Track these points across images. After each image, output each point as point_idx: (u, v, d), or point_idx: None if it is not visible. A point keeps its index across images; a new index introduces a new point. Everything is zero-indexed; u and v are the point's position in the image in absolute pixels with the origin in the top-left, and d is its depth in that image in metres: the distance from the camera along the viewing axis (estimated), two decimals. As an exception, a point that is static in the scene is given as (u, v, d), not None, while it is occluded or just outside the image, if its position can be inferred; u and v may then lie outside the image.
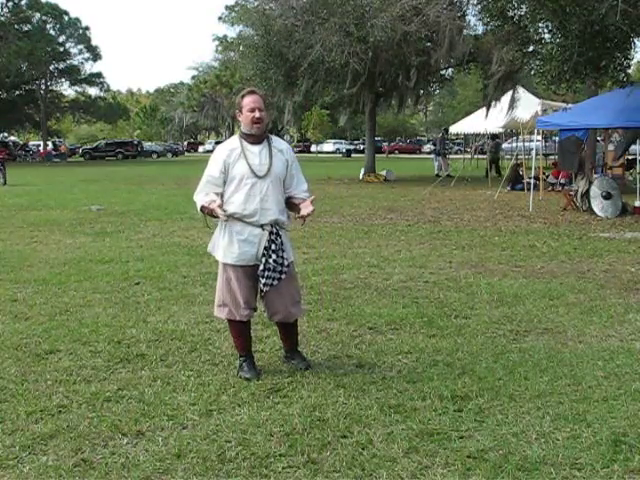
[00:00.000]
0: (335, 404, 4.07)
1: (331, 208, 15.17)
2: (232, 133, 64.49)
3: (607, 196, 13.54)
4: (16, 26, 56.56)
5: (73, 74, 63.84)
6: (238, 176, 4.46)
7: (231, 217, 4.47)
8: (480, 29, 23.68)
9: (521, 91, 23.86)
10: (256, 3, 27.32)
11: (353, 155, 61.69)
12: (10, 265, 8.57)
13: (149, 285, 7.39)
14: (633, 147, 19.65)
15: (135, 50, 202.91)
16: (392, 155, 61.06)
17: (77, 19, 63.42)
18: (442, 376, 4.51)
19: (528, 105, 21.62)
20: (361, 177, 26.55)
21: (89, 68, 65.35)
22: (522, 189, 18.98)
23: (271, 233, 4.49)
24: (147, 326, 5.77)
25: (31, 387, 4.39)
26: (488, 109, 24.07)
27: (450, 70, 28.97)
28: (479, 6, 19.71)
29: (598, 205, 13.60)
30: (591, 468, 3.28)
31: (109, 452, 3.51)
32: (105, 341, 5.35)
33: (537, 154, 19.21)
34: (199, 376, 4.58)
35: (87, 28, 63.88)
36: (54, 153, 56.44)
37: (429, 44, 23.30)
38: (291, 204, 4.64)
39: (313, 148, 69.50)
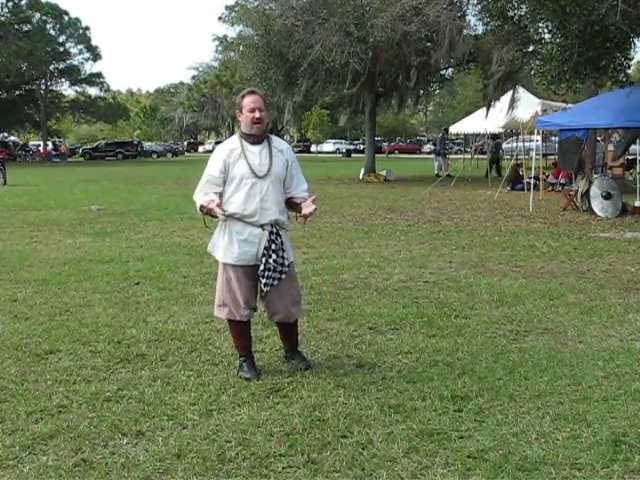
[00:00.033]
0: (335, 404, 4.07)
1: (331, 208, 15.17)
2: (232, 133, 64.47)
3: (607, 196, 13.54)
4: (16, 26, 56.56)
5: (73, 74, 63.84)
6: (238, 176, 4.46)
7: (231, 217, 4.47)
8: (480, 29, 23.72)
9: (521, 91, 23.87)
10: (256, 3, 27.33)
11: (353, 155, 61.69)
12: (10, 265, 8.57)
13: (149, 285, 7.39)
14: (633, 147, 19.66)
15: (135, 50, 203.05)
16: (392, 155, 61.07)
17: (77, 19, 63.47)
18: (442, 376, 4.51)
19: (528, 105, 21.63)
20: (361, 177, 26.55)
21: (89, 68, 65.47)
22: (522, 189, 18.99)
23: (271, 233, 4.49)
24: (147, 326, 5.77)
25: (31, 387, 4.39)
26: (488, 109, 24.07)
27: (450, 70, 28.98)
28: (479, 6, 19.72)
29: (598, 205, 13.60)
30: (591, 468, 3.28)
31: (109, 452, 3.51)
32: (105, 341, 5.35)
33: (536, 154, 19.25)
34: (199, 376, 4.58)
35: (87, 28, 63.95)
36: (54, 153, 56.45)
37: (429, 44, 23.30)
38: (292, 204, 4.64)
39: (313, 148, 69.51)
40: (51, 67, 62.31)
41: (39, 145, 64.14)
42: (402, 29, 21.11)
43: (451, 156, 33.37)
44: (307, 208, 4.50)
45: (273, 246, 4.48)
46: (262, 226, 4.49)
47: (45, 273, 8.06)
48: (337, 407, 4.02)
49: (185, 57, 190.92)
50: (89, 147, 62.64)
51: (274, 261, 4.47)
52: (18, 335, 5.51)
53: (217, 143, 49.65)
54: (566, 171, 18.75)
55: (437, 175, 25.60)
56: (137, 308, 6.39)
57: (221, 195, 4.48)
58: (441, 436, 3.63)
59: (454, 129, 31.13)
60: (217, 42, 75.43)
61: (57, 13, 61.00)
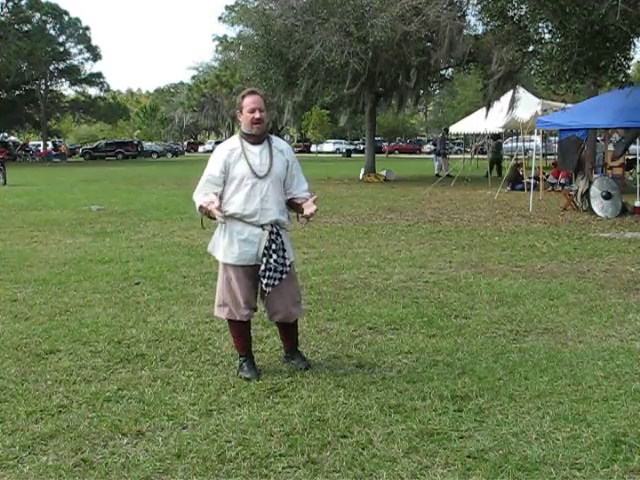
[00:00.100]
0: (335, 404, 4.07)
1: (331, 208, 15.17)
2: (232, 133, 64.48)
3: (607, 196, 13.54)
4: (16, 26, 56.58)
5: (73, 74, 63.85)
6: (239, 176, 4.46)
7: (231, 217, 4.47)
8: (480, 29, 23.72)
9: (521, 91, 23.87)
10: (256, 3, 27.34)
11: (353, 155, 61.69)
12: (10, 265, 8.57)
13: (149, 285, 7.39)
14: (633, 147, 19.66)
15: (135, 50, 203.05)
16: (392, 155, 61.07)
17: (77, 19, 63.48)
18: (442, 376, 4.51)
19: (528, 105, 21.64)
20: (361, 177, 26.55)
21: (89, 68, 65.47)
22: (522, 189, 18.99)
23: (271, 233, 4.49)
24: (147, 326, 5.78)
25: (31, 387, 4.39)
26: (488, 109, 24.08)
27: (450, 70, 28.99)
28: (479, 6, 19.73)
29: (598, 205, 13.60)
30: (591, 468, 3.28)
31: (109, 452, 3.51)
32: (105, 341, 5.35)
33: (535, 154, 19.26)
34: (199, 376, 4.58)
35: (87, 28, 63.95)
36: (54, 153, 56.46)
37: (429, 44, 23.31)
38: (293, 205, 4.64)
39: (313, 148, 69.52)
40: (51, 67, 62.33)
41: (39, 145, 64.14)
42: (402, 29, 21.11)
43: (451, 156, 33.37)
44: (308, 209, 4.50)
45: (273, 246, 4.48)
46: (262, 226, 4.49)
47: (45, 273, 8.06)
48: (337, 407, 4.02)
49: (185, 57, 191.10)
50: (89, 147, 62.64)
51: (275, 261, 4.47)
52: (18, 335, 5.51)
53: (217, 143, 49.65)
54: (566, 171, 18.76)
55: (437, 175, 25.60)
56: (137, 308, 6.40)
57: (221, 197, 4.47)
58: (441, 436, 3.63)
59: (454, 129, 31.12)
60: (217, 42, 75.53)
61: (57, 13, 61.00)
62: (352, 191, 20.91)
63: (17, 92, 61.81)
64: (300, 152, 62.83)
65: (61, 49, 62.74)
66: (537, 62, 17.93)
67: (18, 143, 62.67)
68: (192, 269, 8.24)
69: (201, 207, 4.47)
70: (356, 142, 69.62)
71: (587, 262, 8.67)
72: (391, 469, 3.31)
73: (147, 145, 67.62)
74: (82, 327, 5.73)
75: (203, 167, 4.65)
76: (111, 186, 23.65)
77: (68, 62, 63.69)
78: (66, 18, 62.18)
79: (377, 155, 30.81)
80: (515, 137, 32.08)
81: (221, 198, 4.46)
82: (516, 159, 21.76)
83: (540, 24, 16.34)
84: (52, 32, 61.72)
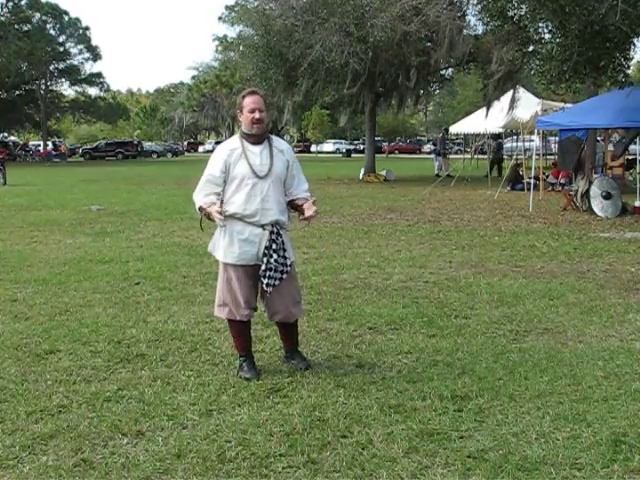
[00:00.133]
0: (335, 404, 4.07)
1: (331, 208, 15.17)
2: (232, 133, 64.48)
3: (607, 196, 13.54)
4: (16, 26, 56.59)
5: (73, 74, 63.86)
6: (239, 176, 4.46)
7: (232, 217, 4.47)
8: (480, 29, 23.73)
9: (521, 91, 23.87)
10: (256, 3, 27.34)
11: (353, 155, 61.69)
12: (10, 265, 8.57)
13: (149, 285, 7.39)
14: (633, 147, 19.65)
15: (135, 50, 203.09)
16: (392, 155, 61.07)
17: (77, 19, 63.50)
18: (442, 376, 4.51)
19: (528, 105, 21.64)
20: (361, 177, 26.55)
21: (89, 68, 65.50)
22: (522, 189, 18.99)
23: (272, 233, 4.49)
24: (147, 326, 5.78)
25: (31, 387, 4.39)
26: (488, 109, 24.08)
27: (450, 70, 29.00)
28: (479, 6, 19.73)
29: (598, 205, 13.60)
30: (591, 468, 3.28)
31: (109, 452, 3.51)
32: (105, 341, 5.35)
33: (530, 154, 19.25)
34: (199, 376, 4.58)
35: (87, 28, 63.97)
36: (54, 153, 56.45)
37: (429, 44, 23.31)
38: (294, 205, 4.64)
39: (313, 148, 69.52)
40: (51, 67, 62.34)
41: (39, 145, 64.14)
42: (402, 29, 21.11)
43: (451, 156, 33.38)
44: (308, 210, 4.50)
45: (274, 246, 4.48)
46: (263, 226, 4.49)
47: (45, 273, 8.06)
48: (337, 407, 4.02)
49: (185, 57, 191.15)
50: (89, 147, 62.65)
51: (275, 261, 4.47)
52: (18, 335, 5.52)
53: (217, 143, 49.58)
54: (566, 171, 18.76)
55: (437, 175, 25.61)
56: (137, 308, 6.40)
57: (222, 201, 4.47)
58: (441, 436, 3.63)
59: (454, 129, 31.11)
60: (217, 42, 75.58)
61: (57, 13, 61.02)
62: (352, 191, 20.91)
63: (17, 92, 61.82)
64: (300, 152, 62.82)
65: (61, 49, 62.75)
66: (537, 62, 17.93)
67: (18, 143, 62.69)
68: (192, 269, 8.24)
69: (201, 208, 4.47)
70: (356, 142, 69.62)
71: (587, 262, 8.67)
72: (391, 469, 3.31)
73: (147, 145, 67.62)
74: (82, 327, 5.73)
75: (203, 167, 4.65)
76: (111, 186, 23.65)
77: (68, 62, 63.71)
78: (66, 18, 62.21)
79: (377, 155, 30.81)
80: (515, 137, 32.06)
81: (222, 202, 4.45)
82: (516, 159, 21.76)
83: (540, 24, 16.34)
84: (52, 32, 61.74)
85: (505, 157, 29.77)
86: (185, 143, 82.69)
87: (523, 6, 16.48)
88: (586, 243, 10.23)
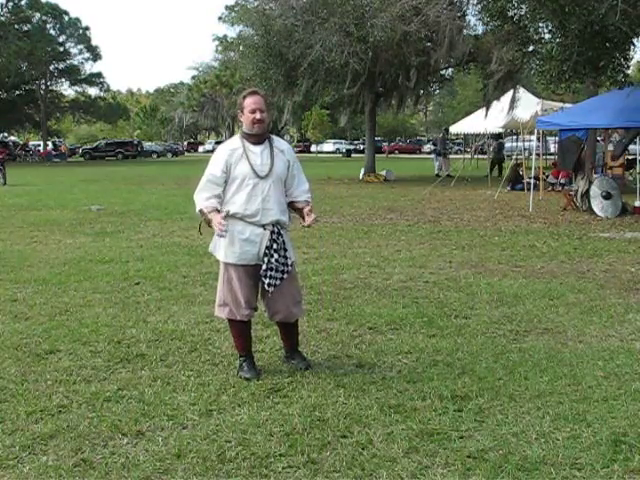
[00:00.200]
0: (335, 404, 4.07)
1: (331, 208, 15.17)
2: (232, 133, 64.49)
3: (607, 196, 13.54)
4: (16, 26, 56.59)
5: (73, 74, 63.86)
6: (240, 176, 4.46)
7: (232, 217, 4.48)
8: (480, 29, 23.72)
9: (521, 91, 23.87)
10: (256, 3, 27.34)
11: (353, 155, 61.69)
12: (10, 265, 8.57)
13: (149, 285, 7.39)
14: (633, 147, 19.65)
15: (135, 50, 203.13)
16: (392, 155, 61.06)
17: (77, 19, 63.51)
18: (442, 376, 4.51)
19: (528, 105, 21.64)
20: (361, 177, 26.55)
21: (89, 68, 65.52)
22: (522, 189, 18.98)
23: (272, 233, 4.50)
24: (147, 326, 5.78)
25: (31, 387, 4.39)
26: (487, 109, 24.09)
27: (450, 70, 29.00)
28: (479, 6, 19.72)
29: (598, 205, 13.60)
30: (591, 468, 3.28)
31: (109, 452, 3.51)
32: (105, 341, 5.35)
33: (530, 154, 19.25)
34: (199, 376, 4.58)
35: (87, 28, 63.98)
36: (54, 153, 56.45)
37: (429, 44, 23.31)
38: (294, 208, 4.65)
39: (313, 148, 69.52)
40: (51, 67, 62.35)
41: (39, 145, 64.14)
42: (402, 29, 21.12)
43: (451, 156, 33.38)
44: (308, 218, 4.51)
45: (275, 246, 4.49)
46: (264, 226, 4.49)
47: (45, 273, 8.06)
48: (337, 407, 4.02)
49: (185, 57, 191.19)
50: (89, 147, 62.66)
51: (276, 260, 4.47)
52: (18, 335, 5.52)
53: (217, 143, 49.53)
54: (566, 171, 18.76)
55: (437, 175, 25.60)
56: (137, 308, 6.40)
57: (222, 205, 4.48)
58: (441, 436, 3.63)
59: (454, 129, 31.12)
60: (217, 42, 75.55)
61: (57, 13, 61.02)
62: (352, 191, 20.91)
63: (17, 92, 61.82)
64: (300, 152, 62.81)
65: (61, 49, 62.76)
66: (537, 62, 17.91)
67: (18, 143, 62.70)
68: (192, 269, 8.24)
69: (202, 211, 4.47)
70: (356, 142, 69.61)
71: (587, 262, 8.67)
72: (391, 469, 3.31)
73: (147, 145, 67.64)
74: (82, 327, 5.73)
75: (203, 167, 4.65)
76: (111, 186, 23.65)
77: (68, 62, 63.72)
78: (66, 18, 62.22)
79: (377, 155, 30.81)
80: (515, 137, 32.06)
81: (224, 203, 4.45)
82: (516, 159, 21.76)
83: (540, 24, 16.33)
84: (52, 32, 61.74)
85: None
86: (185, 143, 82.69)
87: (523, 6, 16.47)
88: (586, 243, 10.23)
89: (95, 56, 64.63)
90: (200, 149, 78.75)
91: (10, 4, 57.50)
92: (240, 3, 52.59)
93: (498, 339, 5.37)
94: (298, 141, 75.44)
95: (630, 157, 21.24)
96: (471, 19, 24.63)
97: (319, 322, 5.85)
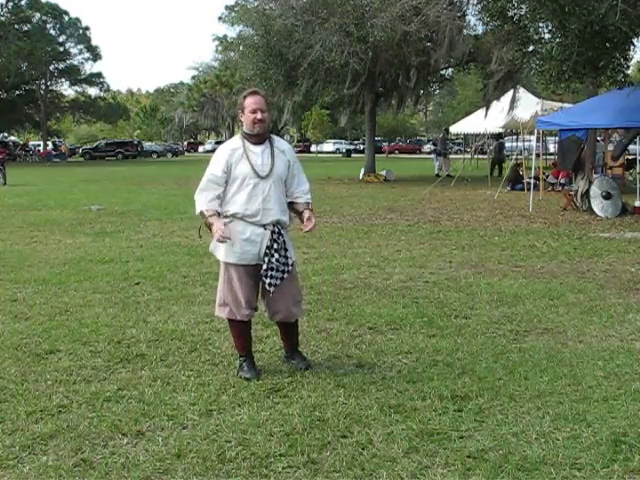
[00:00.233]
0: (335, 404, 4.07)
1: (331, 208, 15.17)
2: (232, 133, 64.50)
3: (607, 196, 13.54)
4: (16, 26, 56.60)
5: (73, 74, 63.87)
6: (240, 176, 4.46)
7: (233, 217, 4.49)
8: (480, 29, 23.71)
9: (521, 91, 23.87)
10: (256, 3, 27.34)
11: (353, 155, 61.70)
12: (10, 265, 8.57)
13: (149, 285, 7.39)
14: (633, 147, 19.65)
15: (135, 50, 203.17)
16: (392, 155, 61.06)
17: (77, 19, 63.53)
18: (442, 376, 4.51)
19: (528, 105, 21.63)
20: (361, 177, 26.55)
21: (89, 68, 65.53)
22: (522, 189, 18.98)
23: (273, 232, 4.50)
24: (147, 326, 5.78)
25: (31, 387, 4.39)
26: (487, 109, 24.09)
27: (450, 70, 28.99)
28: (479, 6, 19.70)
29: (598, 205, 13.60)
30: (591, 468, 3.28)
31: (109, 452, 3.51)
32: (105, 341, 5.35)
33: (530, 154, 19.25)
34: (199, 376, 4.58)
35: (87, 28, 64.00)
36: (54, 153, 56.45)
37: (429, 44, 23.31)
38: (294, 210, 4.66)
39: (313, 148, 69.53)
40: (51, 67, 62.35)
41: (39, 145, 64.14)
42: (402, 29, 21.11)
43: (451, 156, 33.38)
44: (308, 223, 4.53)
45: (275, 245, 4.49)
46: (264, 226, 4.49)
47: (45, 273, 8.05)
48: (337, 407, 4.02)
49: (185, 57, 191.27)
50: (89, 147, 62.66)
51: (277, 260, 4.48)
52: (18, 335, 5.52)
53: (217, 143, 49.47)
54: (566, 171, 18.76)
55: (437, 175, 25.60)
56: (137, 308, 6.40)
57: (223, 205, 4.48)
58: (441, 436, 3.63)
59: (454, 129, 31.11)
60: (217, 42, 75.52)
61: (57, 13, 61.03)
62: (352, 191, 20.91)
63: (17, 92, 61.82)
64: (300, 152, 62.78)
65: (61, 49, 62.77)
66: (537, 62, 17.90)
67: (18, 143, 62.70)
68: (192, 269, 8.24)
69: (202, 214, 4.47)
70: (356, 142, 69.62)
71: (587, 262, 8.67)
72: (391, 469, 3.31)
73: (147, 145, 67.65)
74: (82, 327, 5.73)
75: (203, 167, 4.65)
76: (111, 186, 23.65)
77: (68, 62, 63.73)
78: (66, 18, 62.24)
79: (377, 155, 30.80)
80: (515, 137, 32.06)
81: (223, 219, 4.45)
82: (516, 159, 21.76)
83: (540, 24, 16.31)
84: (52, 32, 61.76)
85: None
86: (185, 143, 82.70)
87: (523, 6, 16.45)
88: (586, 243, 10.23)
89: (95, 56, 64.66)
90: (200, 149, 78.74)
91: (10, 4, 57.51)
92: (240, 3, 52.57)
93: (498, 339, 5.37)
94: (298, 141, 75.44)
95: (630, 157, 21.23)
96: (471, 19, 24.62)
97: (319, 322, 5.85)
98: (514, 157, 22.48)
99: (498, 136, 28.59)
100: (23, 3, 58.50)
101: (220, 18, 66.72)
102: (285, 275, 4.52)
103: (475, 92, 42.36)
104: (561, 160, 17.35)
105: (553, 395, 4.18)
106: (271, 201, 4.49)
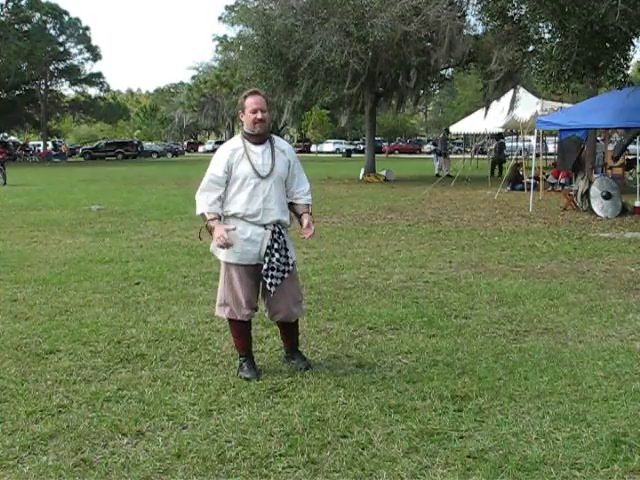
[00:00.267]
0: (335, 404, 4.07)
1: (331, 208, 15.17)
2: (232, 133, 64.52)
3: (607, 196, 13.54)
4: (16, 26, 56.59)
5: (73, 74, 63.87)
6: (241, 176, 4.46)
7: (233, 217, 4.49)
8: (480, 29, 23.72)
9: (521, 91, 23.87)
10: (256, 3, 27.34)
11: (353, 155, 61.70)
12: (10, 265, 8.57)
13: (149, 285, 7.39)
14: (633, 147, 19.64)
15: (135, 50, 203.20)
16: (392, 155, 61.06)
17: (77, 19, 63.53)
18: (442, 376, 4.51)
19: (528, 105, 21.64)
20: (361, 177, 26.56)
21: (89, 68, 65.53)
22: (522, 189, 18.98)
23: (274, 232, 4.50)
24: (147, 326, 5.78)
25: (31, 387, 4.39)
26: (487, 109, 24.09)
27: (450, 70, 28.99)
28: (479, 6, 19.70)
29: (598, 205, 13.60)
30: (591, 468, 3.28)
31: (109, 452, 3.51)
32: (105, 341, 5.35)
33: (530, 154, 19.25)
34: (199, 376, 4.58)
35: (87, 28, 64.00)
36: (54, 153, 56.45)
37: (429, 44, 23.31)
38: (294, 211, 4.66)
39: (313, 148, 69.54)
40: (51, 67, 62.34)
41: (39, 145, 64.14)
42: (402, 29, 21.12)
43: (451, 156, 33.38)
44: (307, 231, 4.54)
45: (276, 245, 4.49)
46: (265, 226, 4.50)
47: (45, 273, 8.05)
48: (337, 407, 4.02)
49: (185, 57, 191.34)
50: (89, 147, 62.67)
51: (277, 260, 4.48)
52: (18, 335, 5.51)
53: (217, 143, 49.38)
54: (566, 171, 18.76)
55: (437, 175, 25.60)
56: (137, 308, 6.39)
57: (223, 205, 4.48)
58: (441, 436, 3.63)
59: (454, 129, 31.13)
60: (217, 42, 75.46)
61: (57, 13, 61.03)
62: (352, 191, 20.91)
63: (17, 92, 61.80)
64: (300, 152, 62.75)
65: (61, 49, 62.76)
66: (536, 61, 17.89)
67: (18, 143, 62.70)
68: (192, 269, 8.24)
69: (203, 215, 4.47)
70: (356, 142, 69.62)
71: (587, 262, 8.67)
72: (391, 469, 3.31)
73: (147, 145, 67.65)
74: (82, 327, 5.73)
75: (203, 167, 4.65)
76: (111, 186, 23.65)
77: (68, 62, 63.72)
78: (66, 18, 62.24)
79: (377, 155, 30.80)
80: (515, 137, 32.07)
81: (225, 224, 4.45)
82: (516, 159, 21.76)
83: (540, 24, 16.31)
84: (52, 32, 61.76)
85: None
86: (185, 143, 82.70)
87: (523, 6, 16.45)
88: (586, 243, 10.23)
89: (95, 56, 64.66)
90: (200, 149, 78.76)
91: (10, 4, 57.51)
92: (240, 3, 52.49)
93: (498, 339, 5.37)
94: (298, 141, 75.43)
95: (630, 157, 21.23)
96: (471, 19, 24.62)
97: (319, 322, 5.85)
98: (514, 157, 22.48)
99: (499, 136, 28.59)
100: (23, 3, 58.50)
101: (220, 18, 66.74)
102: (286, 275, 4.52)
103: (475, 92, 42.36)
104: (561, 160, 17.34)
105: (553, 395, 4.18)
106: (272, 201, 4.49)
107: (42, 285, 7.39)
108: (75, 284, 7.44)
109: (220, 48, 75.45)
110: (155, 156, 62.83)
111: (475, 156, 33.78)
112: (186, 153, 73.25)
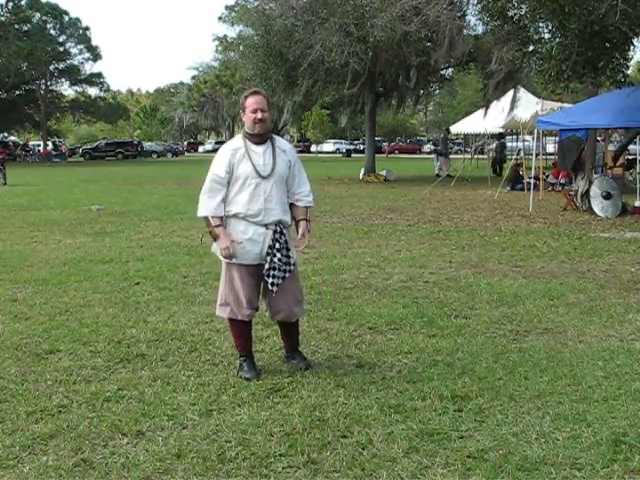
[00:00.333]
0: (335, 404, 4.07)
1: (331, 208, 15.17)
2: (232, 133, 64.51)
3: (607, 196, 13.54)
4: (16, 26, 56.60)
5: (73, 74, 63.87)
6: (242, 176, 4.47)
7: (235, 217, 4.49)
8: (480, 29, 23.72)
9: (521, 91, 23.87)
10: (256, 3, 27.35)
11: (353, 155, 61.69)
12: (10, 265, 8.57)
13: (149, 285, 7.39)
14: (633, 147, 19.65)
15: (135, 50, 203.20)
16: (392, 155, 61.06)
17: (77, 19, 63.53)
18: (442, 376, 4.51)
19: (528, 105, 21.64)
20: (361, 177, 26.56)
21: (89, 68, 65.53)
22: (522, 189, 18.99)
23: (275, 232, 4.50)
24: (147, 326, 5.77)
25: (31, 387, 4.39)
26: (487, 109, 24.08)
27: (450, 70, 28.99)
28: (479, 6, 19.72)
29: (598, 205, 13.60)
30: (591, 468, 3.28)
31: (109, 452, 3.51)
32: (105, 341, 5.35)
33: (529, 154, 19.26)
34: (199, 376, 4.58)
35: (87, 28, 64.00)
36: (54, 153, 56.44)
37: (429, 44, 23.32)
38: (292, 212, 4.66)
39: (313, 148, 69.54)
40: (51, 67, 62.33)
41: (39, 145, 64.14)
42: (402, 29, 21.12)
43: (451, 156, 33.36)
44: (300, 244, 4.58)
45: (277, 245, 4.49)
46: (266, 226, 4.50)
47: (45, 273, 8.05)
48: (337, 407, 4.02)
49: (185, 57, 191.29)
50: (89, 147, 62.66)
51: (279, 260, 4.48)
52: (18, 335, 5.51)
53: (217, 143, 49.36)
54: (566, 171, 18.76)
55: (437, 175, 25.60)
56: (137, 308, 6.39)
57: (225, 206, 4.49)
58: (441, 436, 3.63)
59: (454, 129, 31.11)
60: (217, 42, 75.45)
61: (57, 13, 61.03)
62: (352, 191, 20.91)
63: (17, 92, 61.82)
64: (300, 152, 62.57)
65: (61, 49, 62.76)
66: (536, 61, 17.91)
67: (18, 143, 62.68)
68: (192, 269, 8.24)
69: (207, 219, 4.47)
70: (356, 142, 69.62)
71: (587, 262, 8.67)
72: (391, 469, 3.31)
73: (147, 145, 67.65)
74: (82, 327, 5.73)
75: (203, 167, 4.66)
76: (111, 186, 23.65)
77: (68, 62, 63.72)
78: (66, 18, 62.24)
79: (377, 155, 30.80)
80: (515, 137, 32.06)
81: (230, 234, 4.45)
82: (516, 159, 21.76)
83: (540, 24, 16.32)
84: (52, 32, 61.74)
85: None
86: (185, 143, 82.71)
87: (523, 6, 16.46)
88: (586, 243, 10.23)
89: (95, 56, 64.66)
90: (200, 149, 78.76)
91: (10, 4, 57.51)
92: (240, 3, 52.54)
93: (498, 339, 5.37)
94: (298, 141, 75.45)
95: (630, 157, 21.24)
96: (471, 19, 24.62)
97: (319, 322, 5.86)
98: (514, 157, 22.48)
99: (500, 136, 28.58)
100: (23, 3, 58.50)
101: (220, 18, 66.75)
102: (287, 274, 4.53)
103: (475, 92, 42.37)
104: (561, 160, 17.37)
105: (553, 395, 4.18)
106: (273, 201, 4.49)
107: (42, 285, 7.39)
108: (75, 284, 7.44)
109: (220, 48, 75.47)
110: (155, 156, 62.84)
111: (475, 156, 33.77)
112: (186, 153, 73.26)
